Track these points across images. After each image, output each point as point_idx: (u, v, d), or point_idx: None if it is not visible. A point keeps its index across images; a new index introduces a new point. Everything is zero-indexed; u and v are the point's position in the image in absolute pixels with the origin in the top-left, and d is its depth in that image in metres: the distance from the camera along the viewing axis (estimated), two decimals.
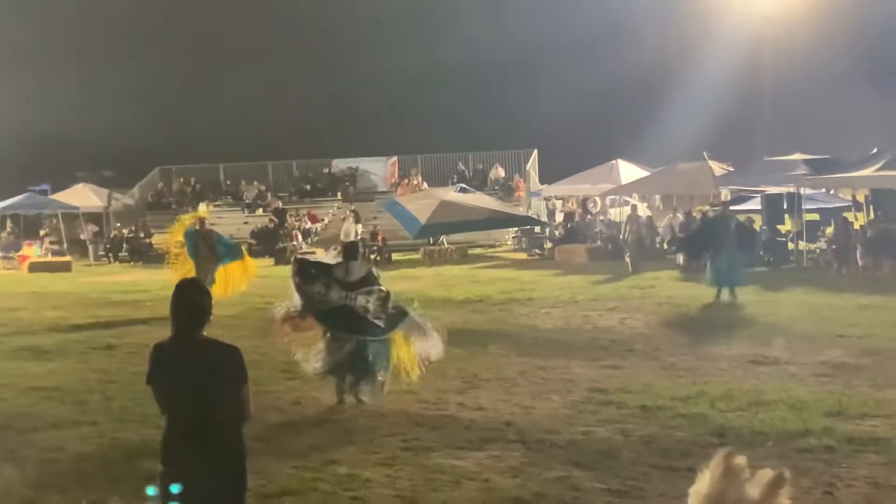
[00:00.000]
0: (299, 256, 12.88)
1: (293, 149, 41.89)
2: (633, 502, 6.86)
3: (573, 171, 36.14)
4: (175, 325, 4.83)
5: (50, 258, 33.17)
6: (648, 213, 31.04)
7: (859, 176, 24.59)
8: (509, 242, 34.70)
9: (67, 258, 32.91)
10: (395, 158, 41.02)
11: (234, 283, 18.80)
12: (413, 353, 10.22)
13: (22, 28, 42.41)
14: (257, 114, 45.58)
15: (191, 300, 4.87)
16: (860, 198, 27.52)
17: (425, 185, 37.41)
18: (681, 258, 24.63)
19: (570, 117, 41.68)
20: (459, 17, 46.23)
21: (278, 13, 48.95)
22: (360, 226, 32.80)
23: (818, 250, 25.54)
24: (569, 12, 43.67)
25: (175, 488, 4.68)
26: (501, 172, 38.96)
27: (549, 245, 31.25)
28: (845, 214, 26.85)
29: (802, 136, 34.22)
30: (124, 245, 35.10)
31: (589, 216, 32.99)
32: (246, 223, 37.06)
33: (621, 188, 32.44)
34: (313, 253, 24.55)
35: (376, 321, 10.05)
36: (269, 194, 39.88)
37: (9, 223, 37.97)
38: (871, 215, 26.04)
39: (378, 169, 41.10)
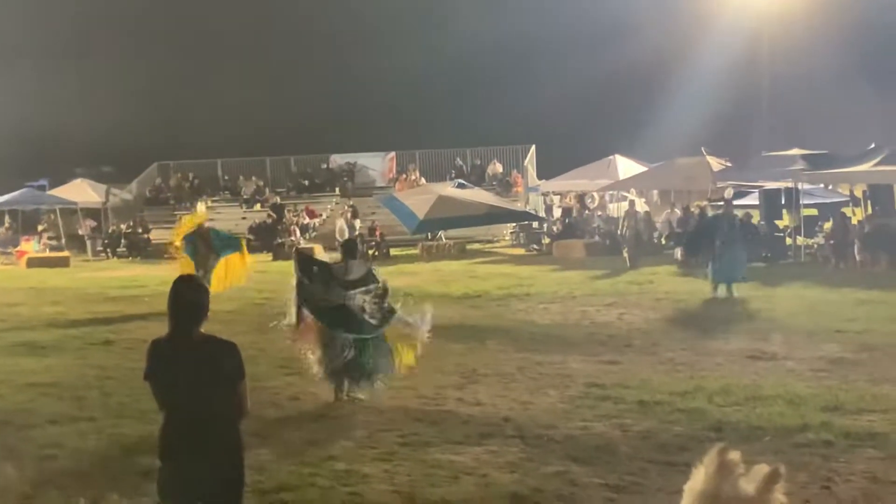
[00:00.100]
0: (300, 249, 12.88)
1: (291, 144, 41.88)
2: (631, 497, 6.86)
3: (571, 166, 36.11)
4: (172, 322, 4.83)
5: (48, 253, 33.15)
6: (646, 208, 31.05)
7: (857, 171, 24.57)
8: (507, 238, 34.71)
9: (65, 254, 32.88)
10: (392, 154, 41.00)
11: (233, 275, 18.82)
12: (404, 345, 10.22)
13: (20, 24, 42.39)
14: (255, 109, 45.55)
15: (188, 297, 4.86)
16: (858, 193, 27.49)
17: (423, 180, 37.36)
18: (678, 253, 24.65)
19: (568, 113, 41.74)
20: (458, 14, 46.26)
21: (277, 9, 48.92)
22: (358, 221, 32.80)
23: (816, 245, 25.55)
24: (567, 8, 43.75)
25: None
26: (499, 168, 38.96)
27: (546, 240, 31.26)
28: (843, 210, 26.86)
29: (800, 132, 34.28)
30: (122, 240, 35.08)
31: (586, 211, 32.99)
32: (244, 218, 37.03)
33: (619, 183, 32.42)
34: (311, 249, 24.60)
35: (371, 319, 10.05)
36: (267, 189, 39.83)
37: (7, 218, 37.96)
38: (869, 210, 26.03)
39: (376, 164, 41.08)
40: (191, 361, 4.77)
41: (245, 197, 39.56)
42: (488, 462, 7.78)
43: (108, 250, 34.99)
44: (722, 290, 17.98)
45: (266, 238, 33.38)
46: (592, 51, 42.22)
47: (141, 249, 34.18)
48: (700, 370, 11.19)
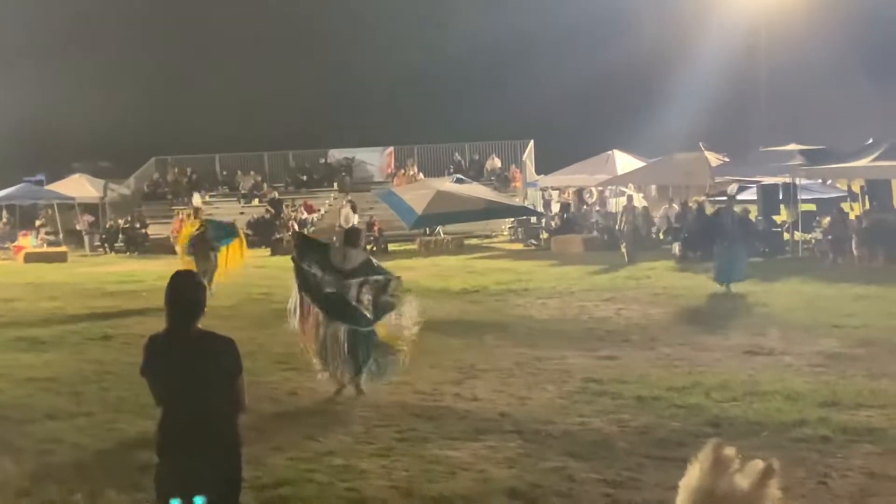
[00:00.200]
0: (300, 232, 12.84)
1: (289, 139, 41.88)
2: (629, 492, 6.86)
3: (569, 161, 36.14)
4: (169, 318, 4.82)
5: (46, 249, 33.15)
6: (644, 203, 31.05)
7: (855, 166, 24.60)
8: (505, 233, 34.70)
9: (63, 249, 32.89)
10: (391, 149, 40.97)
11: (232, 260, 18.93)
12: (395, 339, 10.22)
13: (19, 19, 42.32)
14: (253, 104, 45.52)
15: (185, 292, 4.85)
16: (856, 188, 27.53)
17: (421, 175, 37.40)
18: (676, 248, 24.68)
19: (567, 108, 41.75)
20: (456, 9, 46.20)
21: (276, 3, 48.88)
22: (356, 216, 32.81)
23: (814, 241, 25.57)
24: (565, 3, 43.66)
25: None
26: (498, 163, 38.94)
27: (545, 235, 31.29)
28: (841, 205, 26.87)
29: (798, 127, 34.30)
30: (120, 235, 35.08)
31: (585, 207, 33.01)
32: (242, 213, 36.99)
33: (617, 178, 32.43)
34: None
35: (366, 312, 10.02)
36: (265, 184, 39.81)
37: (5, 213, 37.96)
38: (867, 206, 26.05)
39: (374, 159, 41.07)
40: (188, 357, 4.76)
41: (243, 192, 39.55)
42: (486, 458, 7.78)
43: (106, 245, 34.99)
44: (723, 286, 17.99)
45: (264, 233, 33.38)
46: (591, 46, 42.27)
47: (139, 244, 34.20)
48: (698, 365, 11.19)
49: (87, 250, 35.19)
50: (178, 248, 19.22)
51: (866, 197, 26.71)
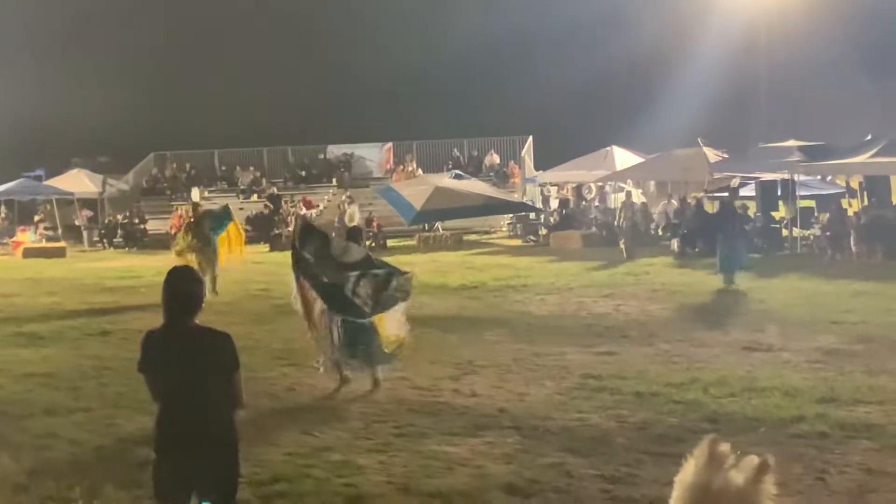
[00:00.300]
0: (304, 216, 12.82)
1: (288, 135, 41.87)
2: (627, 488, 6.87)
3: (568, 157, 36.07)
4: (167, 313, 4.82)
5: (44, 244, 33.16)
6: (643, 199, 31.03)
7: (853, 162, 24.59)
8: (504, 229, 34.70)
9: (62, 244, 32.89)
10: (390, 144, 40.97)
11: (234, 241, 18.96)
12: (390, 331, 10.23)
13: (18, 14, 42.25)
14: (252, 100, 45.45)
15: (182, 288, 4.85)
16: (854, 184, 27.51)
17: (420, 171, 37.37)
18: (675, 244, 24.68)
19: (566, 104, 41.71)
20: (456, 6, 46.15)
21: (275, 3, 48.82)
22: (358, 214, 32.73)
23: (812, 237, 25.57)
24: (563, 0, 43.61)
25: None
26: (496, 159, 38.94)
27: (543, 231, 31.27)
28: (840, 201, 26.87)
29: (797, 123, 34.21)
30: (119, 231, 35.07)
31: (583, 203, 32.99)
32: (241, 209, 36.94)
33: (616, 174, 32.40)
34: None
35: (364, 306, 10.02)
36: (263, 180, 39.81)
37: (3, 209, 37.95)
38: (865, 202, 26.04)
39: (373, 155, 41.08)
40: (185, 352, 4.76)
41: (242, 187, 39.54)
42: (484, 453, 7.78)
43: (105, 241, 34.99)
44: (727, 281, 17.99)
45: (263, 229, 33.36)
46: (590, 42, 42.20)
47: (137, 240, 34.22)
48: (696, 361, 11.19)
49: (86, 246, 35.18)
50: (175, 248, 19.11)
51: (865, 193, 26.69)
